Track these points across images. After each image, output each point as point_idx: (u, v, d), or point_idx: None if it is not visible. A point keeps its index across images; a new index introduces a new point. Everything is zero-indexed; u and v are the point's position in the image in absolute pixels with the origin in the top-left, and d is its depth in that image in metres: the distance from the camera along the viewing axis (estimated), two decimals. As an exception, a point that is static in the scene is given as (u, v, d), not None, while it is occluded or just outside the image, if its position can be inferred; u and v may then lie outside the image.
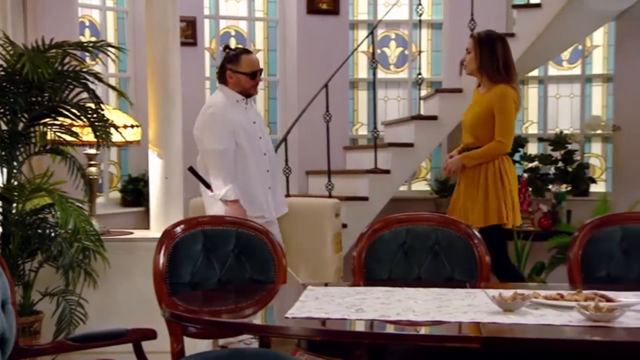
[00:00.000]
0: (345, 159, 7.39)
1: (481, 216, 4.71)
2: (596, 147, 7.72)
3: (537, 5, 6.71)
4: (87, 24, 6.72)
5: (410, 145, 6.68)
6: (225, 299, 3.17)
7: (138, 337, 2.94)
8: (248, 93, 4.73)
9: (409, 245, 3.47)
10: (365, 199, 6.62)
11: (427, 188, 7.78)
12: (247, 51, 4.84)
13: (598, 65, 7.71)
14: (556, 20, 6.56)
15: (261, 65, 4.86)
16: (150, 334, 2.95)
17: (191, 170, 4.67)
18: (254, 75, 4.70)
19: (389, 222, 3.51)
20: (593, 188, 7.43)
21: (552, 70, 7.84)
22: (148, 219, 6.48)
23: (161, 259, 3.28)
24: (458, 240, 3.46)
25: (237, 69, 4.68)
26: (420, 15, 6.88)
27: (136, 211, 6.76)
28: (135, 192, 6.79)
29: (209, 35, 7.43)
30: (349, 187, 6.75)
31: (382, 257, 3.45)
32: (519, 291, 2.72)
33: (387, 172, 6.66)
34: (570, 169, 7.20)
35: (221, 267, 3.39)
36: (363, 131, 7.88)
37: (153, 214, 5.12)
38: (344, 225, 6.52)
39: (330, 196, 6.45)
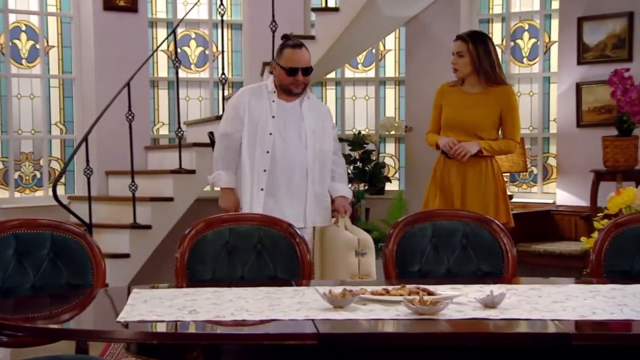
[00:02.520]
0: (147, 159, 7.26)
1: (505, 213, 4.77)
2: (390, 147, 8.07)
3: (335, 9, 6.93)
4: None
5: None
6: (44, 305, 3.02)
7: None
8: (287, 89, 4.46)
9: (233, 245, 3.48)
10: (170, 199, 6.54)
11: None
12: (295, 45, 4.48)
13: (391, 69, 8.06)
14: (353, 24, 6.79)
15: (306, 63, 4.46)
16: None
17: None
18: (292, 72, 4.40)
19: (211, 223, 3.50)
20: (388, 187, 7.77)
21: (349, 73, 8.11)
22: None
23: (-29, 266, 3.08)
24: (280, 239, 3.51)
25: (279, 61, 4.46)
26: (222, 15, 6.88)
27: None
28: None
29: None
30: (153, 188, 6.64)
31: (206, 258, 3.44)
32: (348, 288, 2.81)
33: (192, 172, 6.62)
34: (367, 168, 7.48)
35: (35, 272, 3.24)
36: (164, 131, 7.77)
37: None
38: (148, 227, 6.44)
39: (134, 197, 6.33)
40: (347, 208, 4.55)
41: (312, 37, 6.83)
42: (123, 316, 2.58)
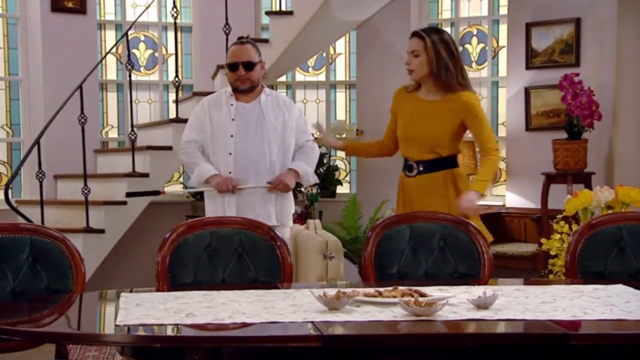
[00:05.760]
0: (97, 163, 7.15)
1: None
2: (341, 151, 8.10)
3: (289, 13, 6.94)
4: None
5: (169, 148, 6.61)
6: (28, 310, 2.97)
7: None
8: (236, 87, 4.46)
9: (214, 248, 3.47)
10: (123, 203, 6.45)
11: (182, 191, 7.73)
12: (238, 42, 4.51)
13: (341, 72, 8.12)
14: (306, 27, 6.82)
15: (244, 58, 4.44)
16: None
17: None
18: (233, 67, 4.42)
19: (192, 226, 3.48)
20: (339, 190, 7.81)
21: (299, 76, 8.13)
22: None
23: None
24: (261, 242, 3.51)
25: (226, 61, 4.48)
26: (175, 18, 6.83)
27: None
28: None
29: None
30: (105, 191, 6.55)
31: (187, 261, 3.42)
32: (342, 290, 2.82)
33: (145, 175, 6.54)
34: (320, 172, 7.50)
35: (14, 276, 3.18)
36: (113, 134, 7.66)
37: None
38: (102, 231, 6.34)
39: (86, 201, 6.22)
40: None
41: (266, 41, 6.83)
42: (121, 320, 2.55)
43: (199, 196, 6.27)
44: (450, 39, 4.25)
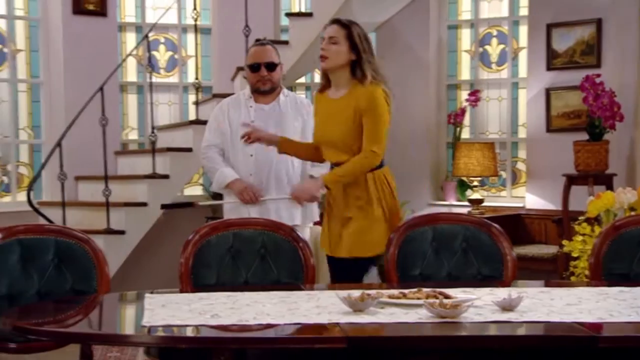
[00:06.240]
0: (117, 164, 7.18)
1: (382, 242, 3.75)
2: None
3: (309, 14, 6.95)
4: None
5: (189, 150, 6.63)
6: (57, 311, 2.98)
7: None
8: (255, 88, 4.46)
9: (236, 249, 3.47)
10: (144, 204, 6.48)
11: (201, 193, 7.75)
12: (259, 43, 4.52)
13: (360, 74, 8.09)
14: (326, 29, 6.82)
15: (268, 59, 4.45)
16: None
17: None
18: (254, 67, 4.41)
19: (215, 227, 3.49)
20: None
21: (318, 78, 8.12)
22: None
23: (-26, 272, 3.04)
24: (284, 243, 3.52)
25: (246, 62, 4.49)
26: (196, 20, 6.85)
27: None
28: None
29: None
30: (125, 193, 6.57)
31: (210, 262, 3.43)
32: (366, 291, 2.82)
33: (166, 177, 6.57)
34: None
35: (40, 277, 3.20)
36: (133, 136, 7.70)
37: None
38: (122, 232, 6.37)
39: (107, 203, 6.25)
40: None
41: (285, 42, 6.84)
42: (147, 321, 2.56)
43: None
44: (369, 36, 3.97)
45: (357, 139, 3.84)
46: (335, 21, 3.96)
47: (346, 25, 3.87)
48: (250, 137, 4.15)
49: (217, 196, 5.39)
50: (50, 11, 7.13)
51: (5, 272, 3.11)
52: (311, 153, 4.19)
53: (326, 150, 4.00)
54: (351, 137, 3.85)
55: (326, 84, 4.02)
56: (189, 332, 2.50)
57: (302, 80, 7.97)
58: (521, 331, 2.57)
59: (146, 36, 6.68)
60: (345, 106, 3.86)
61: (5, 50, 7.02)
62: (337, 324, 2.56)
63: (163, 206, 5.42)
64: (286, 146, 4.19)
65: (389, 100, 3.90)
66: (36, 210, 5.95)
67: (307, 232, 4.48)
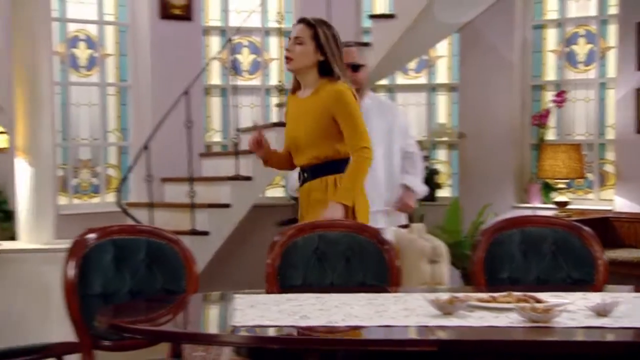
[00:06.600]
0: (201, 166, 7.29)
1: None
2: (441, 154, 8.06)
3: (392, 16, 6.93)
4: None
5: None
6: (144, 309, 3.04)
7: (61, 351, 2.78)
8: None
9: (322, 251, 3.48)
10: (227, 206, 6.55)
11: (283, 194, 7.81)
12: (345, 45, 4.35)
13: (443, 75, 8.05)
14: (409, 30, 6.80)
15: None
16: (73, 348, 2.80)
17: None
18: (351, 67, 4.30)
19: (302, 229, 3.50)
20: (439, 193, 7.75)
21: (400, 79, 8.11)
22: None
23: (72, 270, 3.11)
24: (368, 245, 3.51)
25: None
26: (280, 23, 6.92)
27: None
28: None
29: (57, 39, 7.10)
30: (210, 194, 6.66)
31: (297, 264, 3.44)
32: (455, 294, 2.79)
33: (249, 179, 6.64)
34: (421, 175, 7.45)
35: (132, 277, 3.26)
36: (217, 138, 7.81)
37: (22, 224, 4.83)
38: (206, 233, 6.45)
39: (192, 204, 6.35)
40: (409, 206, 4.36)
41: (366, 44, 6.84)
42: (238, 321, 2.59)
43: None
44: (338, 35, 3.84)
45: (321, 141, 3.74)
46: (302, 20, 3.84)
47: (312, 25, 3.76)
48: (260, 145, 3.95)
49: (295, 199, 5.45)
50: (139, 16, 7.29)
51: (100, 271, 3.18)
52: (289, 162, 4.07)
53: (294, 154, 3.91)
54: (314, 138, 3.74)
55: (297, 85, 3.92)
56: (280, 333, 2.51)
57: (383, 82, 7.95)
58: (617, 337, 2.50)
59: (230, 39, 6.77)
60: (311, 105, 3.76)
61: (96, 54, 7.20)
62: (427, 326, 2.54)
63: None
64: (269, 159, 4.10)
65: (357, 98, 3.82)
66: (124, 211, 6.08)
67: (389, 234, 4.46)
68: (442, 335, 2.47)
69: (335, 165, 3.81)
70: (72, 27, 7.10)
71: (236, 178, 6.61)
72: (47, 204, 4.81)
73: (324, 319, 2.64)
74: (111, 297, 3.18)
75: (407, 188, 4.52)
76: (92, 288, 3.16)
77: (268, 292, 3.26)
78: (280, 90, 6.89)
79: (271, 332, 2.51)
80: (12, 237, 5.61)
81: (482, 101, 7.57)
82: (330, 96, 3.70)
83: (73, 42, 7.10)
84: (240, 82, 7.79)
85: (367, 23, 7.52)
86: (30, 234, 4.76)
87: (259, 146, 3.96)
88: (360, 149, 3.72)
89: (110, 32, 7.32)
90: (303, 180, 3.90)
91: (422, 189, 4.61)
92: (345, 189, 3.72)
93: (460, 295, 2.81)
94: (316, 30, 3.74)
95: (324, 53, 3.74)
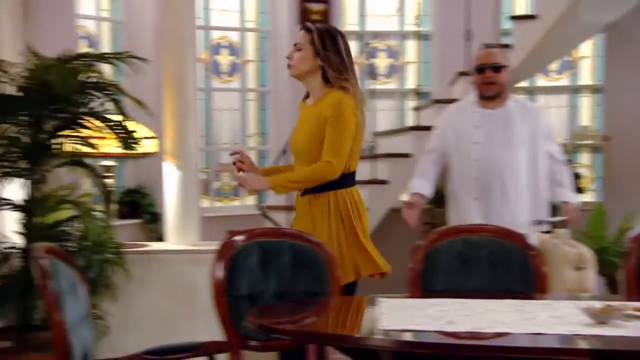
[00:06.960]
0: (339, 170, 7.33)
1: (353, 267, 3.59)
2: (584, 158, 7.82)
3: (533, 17, 6.78)
4: (83, 35, 6.60)
5: (408, 155, 6.66)
6: (289, 311, 3.09)
7: (212, 350, 2.86)
8: (481, 92, 4.42)
9: (466, 255, 3.44)
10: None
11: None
12: (485, 46, 4.49)
13: (586, 76, 7.81)
14: (551, 31, 6.63)
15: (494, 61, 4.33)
16: (224, 347, 2.88)
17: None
18: (479, 69, 4.35)
19: (445, 233, 3.47)
20: (581, 198, 7.51)
21: (540, 81, 7.93)
22: (145, 231, 6.34)
23: (221, 271, 3.20)
24: (514, 250, 3.44)
25: (472, 65, 4.50)
26: (418, 26, 6.89)
27: (132, 223, 6.63)
28: (131, 204, 6.66)
29: (201, 46, 7.33)
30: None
31: (439, 268, 3.42)
32: (608, 303, 2.70)
33: (385, 182, 6.64)
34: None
35: (277, 279, 3.32)
36: (353, 142, 7.83)
37: (170, 226, 5.01)
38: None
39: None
40: (572, 220, 4.40)
41: (506, 46, 6.71)
42: (386, 324, 2.59)
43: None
44: (342, 37, 3.64)
45: (317, 152, 3.57)
46: (303, 26, 3.72)
47: (310, 30, 3.62)
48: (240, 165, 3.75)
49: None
50: (279, 23, 7.43)
51: (247, 272, 3.24)
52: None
53: (295, 163, 3.78)
54: (310, 148, 3.60)
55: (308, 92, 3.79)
56: (426, 338, 2.50)
57: (523, 84, 7.79)
58: None
59: (367, 43, 6.80)
60: (312, 113, 3.64)
61: (237, 61, 7.39)
62: (581, 335, 2.46)
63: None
64: (269, 175, 3.80)
65: (357, 111, 3.59)
66: (264, 214, 6.20)
67: (532, 239, 4.36)
68: (596, 344, 2.39)
69: (336, 180, 3.63)
70: (215, 35, 7.31)
71: (372, 182, 6.63)
72: (193, 207, 4.95)
73: (470, 325, 2.60)
74: (257, 298, 3.24)
75: (566, 203, 4.45)
76: (239, 289, 3.23)
77: (411, 297, 3.24)
78: (418, 94, 6.86)
79: (419, 337, 2.50)
80: (159, 239, 5.85)
81: (630, 103, 7.29)
82: (328, 104, 3.56)
83: (216, 49, 7.32)
84: (377, 86, 7.81)
85: (507, 25, 7.39)
86: (177, 235, 4.92)
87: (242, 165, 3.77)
88: (326, 162, 3.53)
89: (251, 38, 7.49)
90: (304, 192, 3.70)
91: (578, 201, 4.52)
92: (288, 180, 3.60)
93: (615, 303, 2.71)
94: (313, 36, 3.59)
95: (322, 58, 3.58)
